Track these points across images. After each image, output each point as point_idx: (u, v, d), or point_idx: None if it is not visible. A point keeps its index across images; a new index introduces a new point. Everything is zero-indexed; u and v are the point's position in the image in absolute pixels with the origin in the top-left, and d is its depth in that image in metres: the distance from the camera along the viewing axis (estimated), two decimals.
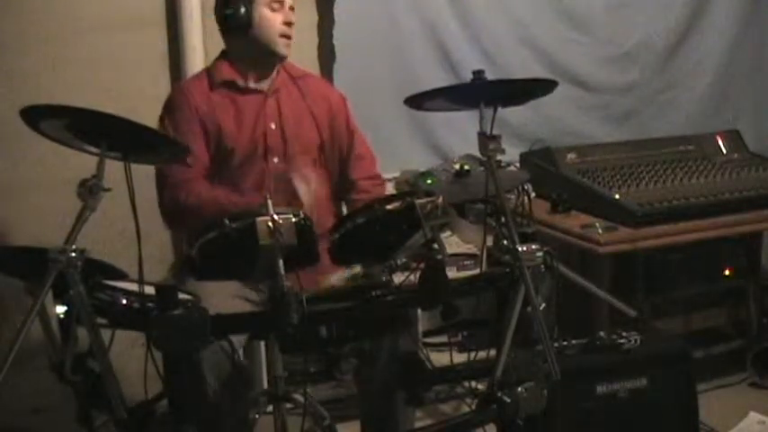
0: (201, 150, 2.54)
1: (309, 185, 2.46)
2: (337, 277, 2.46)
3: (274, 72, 2.66)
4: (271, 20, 2.55)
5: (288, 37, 2.58)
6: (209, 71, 2.68)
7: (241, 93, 2.62)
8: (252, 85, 2.63)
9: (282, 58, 2.63)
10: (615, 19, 3.92)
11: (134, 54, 3.20)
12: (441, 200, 2.09)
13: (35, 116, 1.96)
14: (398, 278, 2.24)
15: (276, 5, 2.56)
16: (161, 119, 2.59)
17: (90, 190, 1.92)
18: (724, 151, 3.71)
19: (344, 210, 2.86)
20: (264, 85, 2.64)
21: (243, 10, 2.53)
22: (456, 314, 2.10)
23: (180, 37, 3.22)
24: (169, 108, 2.61)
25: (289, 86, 2.68)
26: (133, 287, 2.05)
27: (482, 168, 2.70)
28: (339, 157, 2.74)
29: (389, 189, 3.10)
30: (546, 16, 3.80)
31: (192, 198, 2.47)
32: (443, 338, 3.26)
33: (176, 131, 2.53)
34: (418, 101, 2.18)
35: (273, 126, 2.62)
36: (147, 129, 2.04)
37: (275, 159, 2.62)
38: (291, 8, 2.59)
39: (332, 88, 2.92)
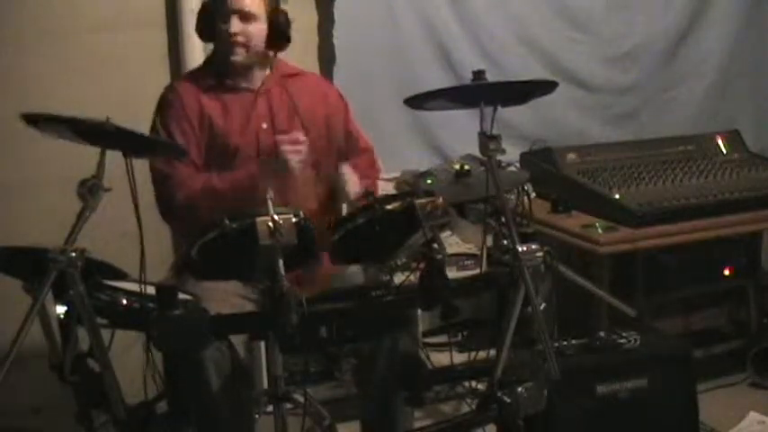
0: (193, 147, 2.52)
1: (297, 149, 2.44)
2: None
3: (265, 71, 2.65)
4: (223, 32, 2.55)
5: (240, 44, 2.54)
6: (197, 72, 2.69)
7: (229, 92, 2.60)
8: (240, 84, 2.63)
9: (237, 66, 2.58)
10: (615, 19, 3.92)
11: (134, 54, 3.20)
12: (441, 200, 2.09)
13: (33, 120, 1.97)
14: (398, 278, 2.24)
15: (226, 18, 2.53)
16: (153, 120, 2.59)
17: (90, 190, 1.92)
18: (724, 151, 3.70)
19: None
20: (254, 85, 2.64)
21: (205, 26, 2.60)
22: (456, 314, 2.10)
23: (180, 37, 3.22)
24: (161, 107, 2.60)
25: (280, 86, 2.66)
26: (133, 287, 2.05)
27: (482, 168, 2.70)
28: (337, 154, 2.70)
29: (389, 189, 3.09)
30: (546, 16, 3.81)
31: (188, 193, 2.45)
32: (443, 338, 3.27)
33: (167, 129, 2.53)
34: (418, 101, 2.18)
35: (265, 126, 2.61)
36: (146, 137, 2.04)
37: None
38: (245, 17, 2.53)
39: (330, 85, 2.90)
